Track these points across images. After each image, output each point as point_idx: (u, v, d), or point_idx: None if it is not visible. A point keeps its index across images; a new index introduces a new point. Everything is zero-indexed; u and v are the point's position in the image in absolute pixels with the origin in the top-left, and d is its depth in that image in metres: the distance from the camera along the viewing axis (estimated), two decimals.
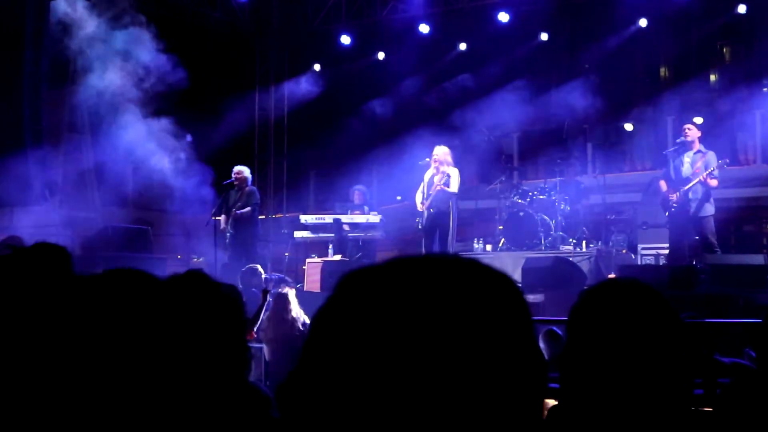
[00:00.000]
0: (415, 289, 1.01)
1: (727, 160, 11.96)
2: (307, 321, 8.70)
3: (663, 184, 11.98)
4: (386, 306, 1.00)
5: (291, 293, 8.81)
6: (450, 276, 1.03)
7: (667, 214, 11.99)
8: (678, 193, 11.66)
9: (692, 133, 11.80)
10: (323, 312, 1.05)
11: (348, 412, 0.99)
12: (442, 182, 12.30)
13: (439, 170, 12.46)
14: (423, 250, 12.51)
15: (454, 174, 12.43)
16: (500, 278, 1.06)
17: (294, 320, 8.54)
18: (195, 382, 2.09)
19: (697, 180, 11.50)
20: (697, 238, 12.02)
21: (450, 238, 12.44)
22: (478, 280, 1.04)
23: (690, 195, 11.60)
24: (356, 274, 1.07)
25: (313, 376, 1.02)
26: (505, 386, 1.00)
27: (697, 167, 11.61)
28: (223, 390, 2.13)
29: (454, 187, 12.39)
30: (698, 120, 17.67)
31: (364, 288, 1.04)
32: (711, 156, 11.67)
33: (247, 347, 2.25)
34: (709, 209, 11.62)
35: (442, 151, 12.63)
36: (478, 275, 1.04)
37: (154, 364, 2.03)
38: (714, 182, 11.49)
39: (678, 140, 12.11)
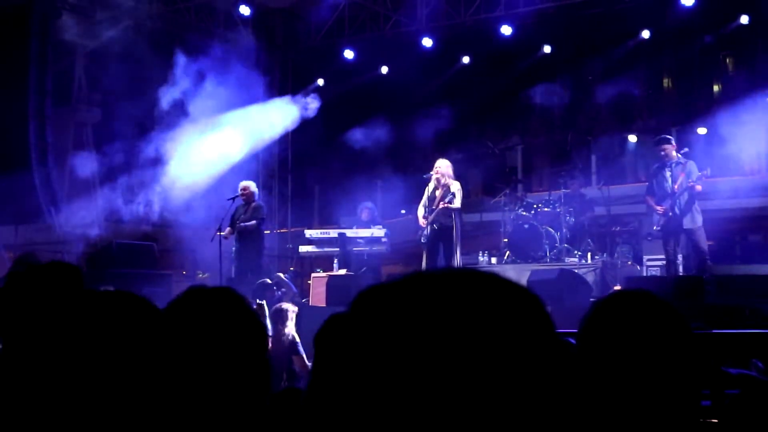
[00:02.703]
0: (438, 305, 1.00)
1: (707, 171, 11.98)
2: (297, 338, 8.77)
3: (649, 200, 12.23)
4: (410, 323, 0.99)
5: (290, 308, 8.94)
6: (473, 291, 1.02)
7: (655, 228, 12.18)
8: (664, 208, 11.87)
9: (668, 150, 12.04)
10: (341, 332, 1.04)
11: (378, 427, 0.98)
12: (446, 199, 12.25)
13: (440, 183, 12.43)
14: (425, 265, 12.49)
15: (457, 188, 12.38)
16: (522, 292, 1.05)
17: (285, 335, 8.67)
18: (218, 401, 2.09)
19: (681, 192, 11.71)
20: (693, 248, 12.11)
21: (455, 252, 12.42)
22: (501, 295, 1.03)
23: (676, 209, 11.78)
24: (374, 291, 1.06)
25: (337, 397, 1.01)
26: (536, 399, 0.99)
27: (679, 179, 11.81)
28: (242, 410, 2.13)
29: (457, 202, 12.34)
30: (702, 131, 17.68)
31: (385, 305, 1.02)
32: (691, 165, 11.89)
33: (268, 368, 2.25)
34: (698, 220, 11.77)
35: (444, 165, 12.60)
36: (501, 290, 1.04)
37: (181, 381, 2.04)
38: (698, 187, 11.65)
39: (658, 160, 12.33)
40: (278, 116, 17.71)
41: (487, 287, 1.03)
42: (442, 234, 12.40)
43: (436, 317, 0.99)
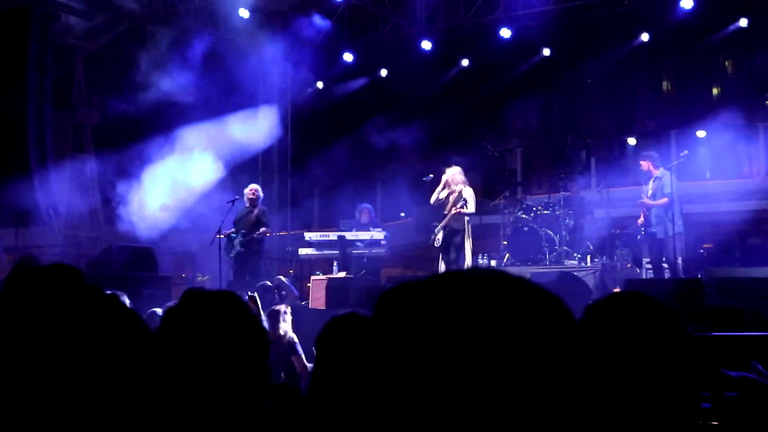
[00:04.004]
0: (468, 308, 1.00)
1: (686, 151, 12.96)
2: (295, 338, 8.78)
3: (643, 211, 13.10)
4: (439, 325, 0.99)
5: (284, 309, 8.96)
6: (504, 295, 1.02)
7: (639, 237, 13.32)
8: (641, 220, 12.96)
9: (644, 165, 12.87)
10: (371, 331, 1.03)
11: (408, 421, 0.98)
12: (458, 206, 12.44)
13: (451, 190, 12.61)
14: (441, 268, 12.61)
15: (469, 194, 12.61)
16: (550, 297, 1.05)
17: (281, 336, 8.68)
18: (217, 402, 2.09)
19: (653, 203, 12.63)
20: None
21: (466, 255, 12.58)
22: (531, 299, 1.03)
23: (653, 219, 12.68)
24: (401, 291, 1.06)
25: (370, 393, 1.01)
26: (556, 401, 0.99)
27: (655, 192, 12.60)
28: (241, 412, 2.12)
29: (470, 208, 12.62)
30: (701, 133, 17.68)
31: (413, 306, 1.02)
32: (665, 179, 12.51)
33: (268, 371, 2.24)
34: (670, 229, 12.37)
35: (451, 172, 12.79)
36: (529, 294, 1.03)
37: (185, 383, 2.04)
38: (659, 201, 12.51)
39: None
40: (267, 124, 17.79)
41: (518, 292, 1.03)
42: (453, 238, 12.65)
43: (465, 319, 0.99)
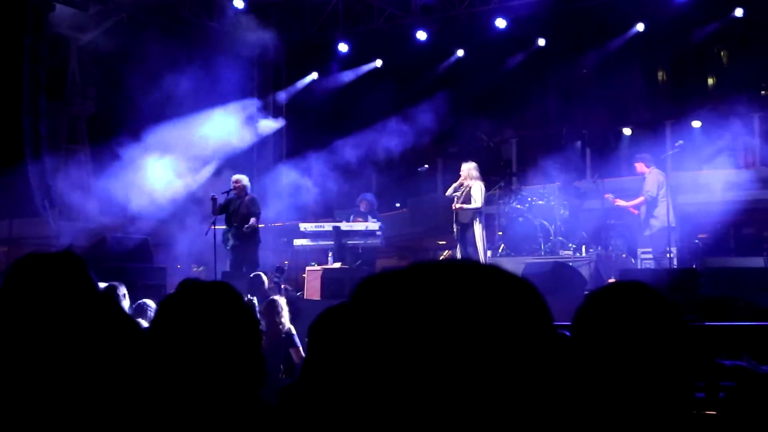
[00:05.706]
0: (436, 296, 1.01)
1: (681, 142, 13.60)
2: (293, 329, 8.80)
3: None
4: (408, 313, 1.00)
5: (281, 301, 9.00)
6: (472, 282, 1.03)
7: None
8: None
9: (637, 166, 13.24)
10: (337, 322, 1.05)
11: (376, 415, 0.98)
12: (459, 202, 12.86)
13: (463, 185, 12.98)
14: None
15: (475, 189, 12.76)
16: (521, 284, 1.06)
17: (281, 327, 8.70)
18: (212, 393, 2.09)
19: (625, 204, 13.33)
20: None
21: (479, 247, 12.72)
22: (500, 286, 1.03)
23: (640, 217, 13.17)
24: (374, 280, 1.07)
25: (339, 383, 1.01)
26: (528, 387, 1.00)
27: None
28: (235, 402, 2.13)
29: (476, 202, 12.83)
30: (696, 124, 17.69)
31: (384, 295, 1.03)
32: (648, 177, 12.87)
33: (262, 361, 2.25)
34: (651, 225, 12.82)
35: (466, 167, 13.02)
36: (499, 281, 1.04)
37: (176, 372, 2.04)
38: (632, 202, 13.12)
39: None
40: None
41: (486, 279, 1.04)
42: (464, 232, 12.96)
43: (434, 307, 1.00)
